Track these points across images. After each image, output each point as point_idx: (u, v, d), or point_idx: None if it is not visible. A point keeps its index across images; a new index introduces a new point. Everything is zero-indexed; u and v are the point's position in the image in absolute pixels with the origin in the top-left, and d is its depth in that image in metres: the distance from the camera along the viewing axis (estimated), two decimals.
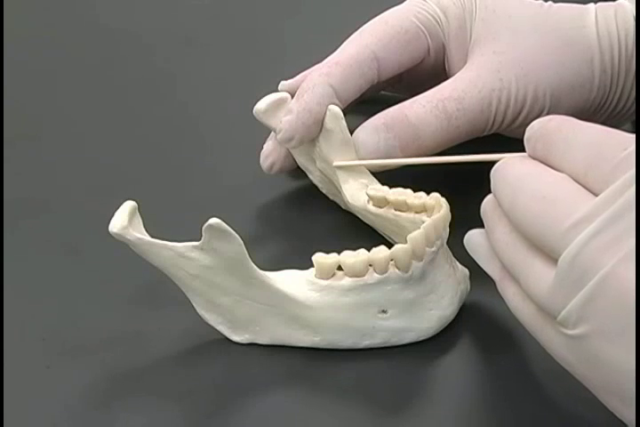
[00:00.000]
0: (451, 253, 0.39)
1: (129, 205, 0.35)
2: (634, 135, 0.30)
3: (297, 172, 0.47)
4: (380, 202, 0.41)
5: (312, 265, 0.37)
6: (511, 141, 0.46)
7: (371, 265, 0.36)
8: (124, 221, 0.35)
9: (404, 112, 0.42)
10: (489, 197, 0.34)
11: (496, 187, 0.33)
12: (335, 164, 0.43)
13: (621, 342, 0.27)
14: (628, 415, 0.28)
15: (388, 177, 0.43)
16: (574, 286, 0.28)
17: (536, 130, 0.33)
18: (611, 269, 0.27)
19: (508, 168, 0.33)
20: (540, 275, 0.30)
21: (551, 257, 0.30)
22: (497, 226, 0.33)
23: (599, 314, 0.28)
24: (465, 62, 0.44)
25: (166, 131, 0.54)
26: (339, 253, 0.36)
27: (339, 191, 0.44)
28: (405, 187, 0.40)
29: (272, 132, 0.46)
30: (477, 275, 0.37)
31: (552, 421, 0.34)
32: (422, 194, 0.39)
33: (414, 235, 0.36)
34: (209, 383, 0.36)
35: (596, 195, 0.29)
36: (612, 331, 0.28)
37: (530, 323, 0.32)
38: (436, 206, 0.38)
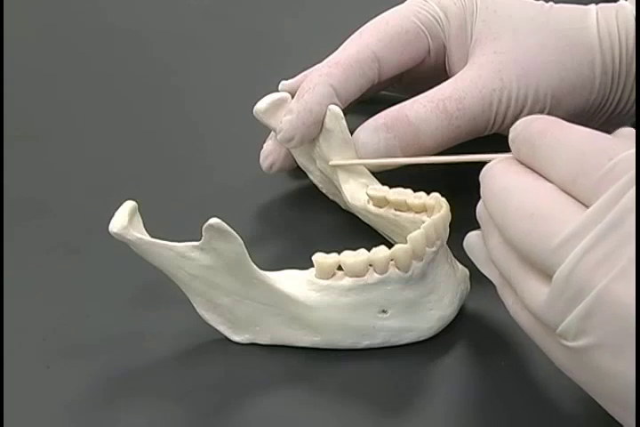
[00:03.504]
0: (451, 253, 0.39)
1: (129, 205, 0.35)
2: (618, 141, 0.29)
3: (297, 172, 0.47)
4: (380, 202, 0.41)
5: (312, 265, 0.37)
6: None
7: (371, 265, 0.36)
8: (124, 221, 0.35)
9: (405, 112, 0.42)
10: (482, 203, 0.34)
11: (485, 197, 0.33)
12: (331, 163, 0.43)
13: (623, 354, 0.27)
14: (630, 421, 0.28)
15: (388, 177, 0.43)
16: (570, 303, 0.28)
17: (519, 131, 0.33)
18: (606, 286, 0.27)
19: (495, 178, 0.33)
20: (535, 289, 0.30)
21: (545, 272, 0.30)
22: (491, 235, 0.33)
23: (598, 329, 0.28)
24: (465, 62, 0.44)
25: (166, 131, 0.54)
26: (339, 253, 0.36)
27: (339, 191, 0.44)
28: (405, 187, 0.40)
29: (272, 132, 0.46)
30: (477, 275, 0.37)
31: (551, 421, 0.34)
32: (422, 194, 0.39)
33: (414, 235, 0.36)
34: (209, 383, 0.36)
35: (585, 205, 0.29)
36: (612, 344, 0.27)
37: (530, 331, 0.32)
38: (436, 206, 0.38)
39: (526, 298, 0.30)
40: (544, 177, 0.31)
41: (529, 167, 0.32)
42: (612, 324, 0.27)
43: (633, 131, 0.33)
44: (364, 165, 0.43)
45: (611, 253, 0.27)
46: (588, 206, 0.29)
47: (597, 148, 0.29)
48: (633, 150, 0.28)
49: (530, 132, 0.32)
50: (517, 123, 0.33)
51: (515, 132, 0.33)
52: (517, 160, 0.33)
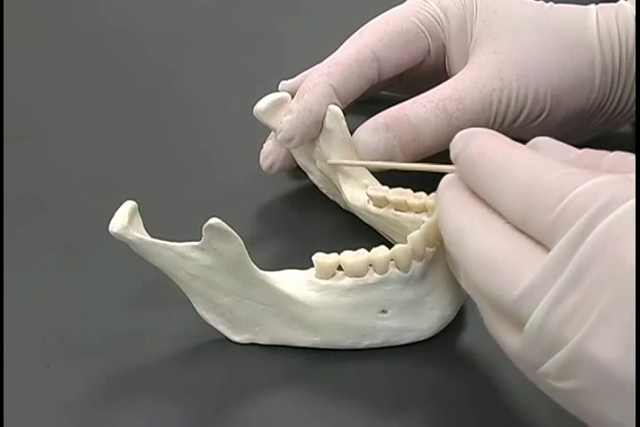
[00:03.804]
0: None
1: (129, 205, 0.35)
2: (562, 173, 0.28)
3: (297, 172, 0.47)
4: (380, 202, 0.41)
5: (312, 265, 0.37)
6: None
7: (371, 265, 0.36)
8: (124, 221, 0.35)
9: (405, 112, 0.42)
10: None
11: (442, 232, 0.32)
12: (329, 161, 0.43)
13: (606, 399, 0.26)
14: None
15: (388, 177, 0.43)
16: (545, 353, 0.27)
17: (458, 152, 0.32)
18: (580, 341, 0.26)
19: (447, 214, 0.32)
20: (508, 334, 0.29)
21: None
22: (458, 270, 0.32)
23: (577, 377, 0.26)
24: (465, 62, 0.44)
25: (166, 131, 0.54)
26: (339, 253, 0.36)
27: (339, 191, 0.44)
28: (405, 187, 0.40)
29: (272, 132, 0.46)
30: None
31: (551, 419, 0.34)
32: (422, 194, 0.39)
33: (414, 235, 0.36)
34: (209, 383, 0.36)
35: (541, 244, 0.28)
36: (593, 391, 0.26)
37: (514, 361, 0.30)
38: (436, 206, 0.38)
39: (501, 339, 0.30)
40: (492, 207, 0.30)
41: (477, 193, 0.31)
42: (590, 375, 0.26)
43: (549, 140, 0.32)
44: (362, 165, 0.43)
45: (579, 305, 0.26)
46: (544, 246, 0.27)
47: (544, 183, 0.28)
48: (581, 188, 0.27)
49: (469, 154, 0.31)
50: (456, 139, 0.32)
51: (455, 151, 0.32)
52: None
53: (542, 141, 0.32)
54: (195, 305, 0.37)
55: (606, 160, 0.30)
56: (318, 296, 0.36)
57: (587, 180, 0.27)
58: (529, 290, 0.27)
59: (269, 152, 0.46)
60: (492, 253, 0.29)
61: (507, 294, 0.28)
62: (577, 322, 0.26)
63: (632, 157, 0.30)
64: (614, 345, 0.25)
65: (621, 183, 0.26)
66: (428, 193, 0.39)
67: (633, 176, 0.27)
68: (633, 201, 0.26)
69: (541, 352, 0.27)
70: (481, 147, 0.31)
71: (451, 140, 0.42)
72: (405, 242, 0.36)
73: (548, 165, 0.28)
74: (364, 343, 0.37)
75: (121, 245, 0.35)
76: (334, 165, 0.43)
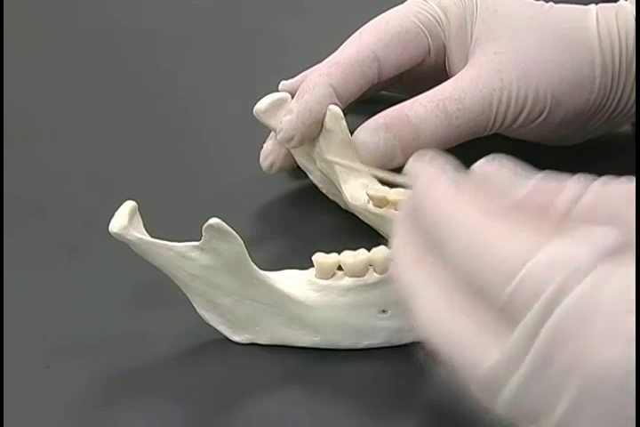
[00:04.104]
0: None
1: (129, 205, 0.35)
2: (513, 245, 0.25)
3: (297, 172, 0.47)
4: (380, 202, 0.41)
5: (312, 265, 0.37)
6: (511, 141, 0.45)
7: (371, 265, 0.36)
8: (124, 221, 0.35)
9: (405, 112, 0.42)
10: None
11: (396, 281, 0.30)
12: (328, 157, 0.42)
13: None
14: None
15: None
16: (525, 420, 0.26)
17: (408, 182, 0.29)
18: (559, 422, 0.24)
19: (397, 260, 0.29)
20: (482, 394, 0.27)
21: None
22: None
23: None
24: (465, 62, 0.44)
25: (166, 131, 0.53)
26: (339, 253, 0.36)
27: (339, 191, 0.44)
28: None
29: (272, 132, 0.46)
30: None
31: None
32: None
33: None
34: (209, 383, 0.36)
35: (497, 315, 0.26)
36: None
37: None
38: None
39: (477, 400, 0.28)
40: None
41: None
42: None
43: (499, 164, 0.28)
44: (356, 169, 0.43)
45: (548, 391, 0.24)
46: (501, 319, 0.25)
47: (491, 253, 0.26)
48: (531, 264, 0.25)
49: (415, 194, 0.29)
50: (408, 164, 0.30)
51: (406, 181, 0.30)
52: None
53: (491, 167, 0.28)
54: (195, 305, 0.37)
55: (562, 200, 0.27)
56: (318, 296, 0.36)
57: (536, 249, 0.25)
58: (495, 369, 0.25)
59: (269, 152, 0.46)
60: (449, 325, 0.27)
61: (470, 369, 0.26)
62: (550, 404, 0.25)
63: (586, 199, 0.26)
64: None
65: (574, 252, 0.25)
66: None
67: (582, 233, 0.25)
68: (588, 279, 0.24)
69: (520, 419, 0.26)
70: (424, 188, 0.28)
71: (451, 140, 0.43)
72: None
73: (495, 232, 0.26)
74: (364, 343, 0.37)
75: (121, 245, 0.35)
76: (334, 165, 0.43)
